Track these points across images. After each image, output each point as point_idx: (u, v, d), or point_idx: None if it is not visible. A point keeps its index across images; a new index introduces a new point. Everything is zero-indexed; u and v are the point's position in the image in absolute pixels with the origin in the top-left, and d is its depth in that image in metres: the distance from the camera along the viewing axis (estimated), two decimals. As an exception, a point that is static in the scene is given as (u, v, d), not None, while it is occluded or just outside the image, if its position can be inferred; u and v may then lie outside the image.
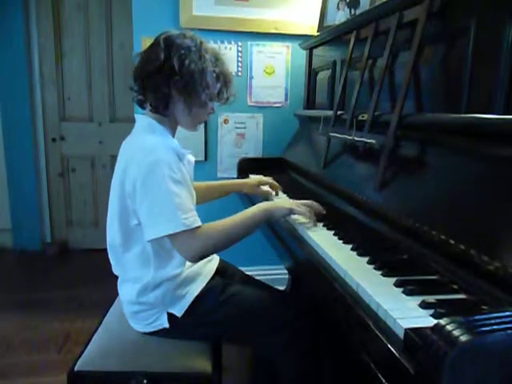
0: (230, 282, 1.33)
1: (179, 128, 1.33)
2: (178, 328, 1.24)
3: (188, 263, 1.28)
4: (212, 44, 2.32)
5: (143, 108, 1.28)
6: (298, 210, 1.26)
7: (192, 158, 1.35)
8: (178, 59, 1.16)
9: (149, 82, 1.19)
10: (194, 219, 1.13)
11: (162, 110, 1.22)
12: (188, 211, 1.13)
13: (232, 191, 1.72)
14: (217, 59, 1.25)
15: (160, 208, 1.12)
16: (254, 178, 1.70)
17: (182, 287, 1.24)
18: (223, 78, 1.26)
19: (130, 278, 1.26)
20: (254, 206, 1.28)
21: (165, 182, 1.11)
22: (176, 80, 1.17)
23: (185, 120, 1.28)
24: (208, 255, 1.19)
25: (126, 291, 1.27)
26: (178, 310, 1.23)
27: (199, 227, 1.14)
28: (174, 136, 1.31)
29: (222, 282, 1.32)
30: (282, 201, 1.35)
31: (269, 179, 1.70)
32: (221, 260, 1.47)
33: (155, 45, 1.20)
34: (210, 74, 1.21)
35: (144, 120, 1.25)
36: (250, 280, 1.51)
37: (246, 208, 1.29)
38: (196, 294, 1.25)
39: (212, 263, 1.39)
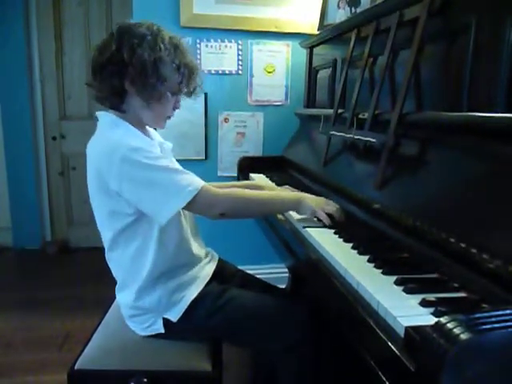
0: (227, 287, 1.30)
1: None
2: (175, 333, 1.23)
3: (186, 249, 1.27)
4: (212, 43, 2.33)
5: (104, 105, 1.20)
6: (320, 214, 1.24)
7: (168, 146, 1.32)
8: (130, 49, 1.09)
9: (101, 74, 1.12)
10: (196, 180, 1.13)
11: (118, 105, 1.17)
12: (186, 176, 1.12)
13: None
14: (176, 49, 1.15)
15: (160, 188, 1.10)
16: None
17: (178, 292, 1.22)
18: (185, 70, 1.17)
19: (126, 282, 1.25)
20: (286, 192, 1.35)
21: (148, 165, 1.09)
22: (128, 71, 1.11)
23: (146, 115, 1.20)
24: (229, 213, 1.17)
25: (123, 295, 1.27)
26: (174, 315, 1.21)
27: (205, 185, 1.13)
28: (141, 131, 1.22)
29: (219, 287, 1.29)
30: (314, 198, 1.30)
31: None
32: (220, 260, 1.45)
33: (109, 36, 1.14)
34: (167, 65, 1.13)
35: (106, 117, 1.19)
36: (249, 280, 1.49)
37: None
38: (192, 298, 1.22)
39: (210, 266, 1.36)
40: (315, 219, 1.28)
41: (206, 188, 1.13)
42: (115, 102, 1.16)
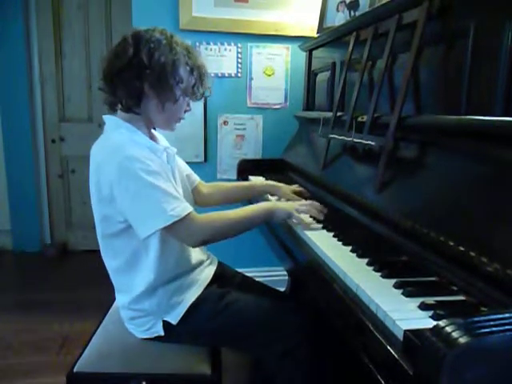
0: (227, 290, 1.30)
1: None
2: (174, 336, 1.23)
3: (187, 262, 1.28)
4: (212, 45, 2.34)
5: (114, 110, 1.23)
6: (297, 214, 1.27)
7: (172, 151, 1.31)
8: (148, 52, 1.13)
9: (119, 78, 1.15)
10: (182, 207, 1.11)
11: (134, 108, 1.18)
12: (173, 201, 1.10)
13: (265, 193, 1.61)
14: (189, 52, 1.20)
15: (143, 205, 1.09)
16: (287, 186, 1.60)
17: (178, 294, 1.22)
18: (197, 72, 1.22)
19: (124, 287, 1.25)
20: (256, 205, 1.31)
21: (140, 178, 1.08)
22: (147, 74, 1.13)
23: (159, 117, 1.23)
24: (209, 241, 1.17)
25: (122, 297, 1.27)
26: (174, 318, 1.21)
27: (190, 213, 1.12)
28: (148, 135, 1.25)
29: (219, 290, 1.30)
30: (284, 203, 1.33)
31: (300, 189, 1.58)
32: (219, 263, 1.46)
33: (123, 41, 1.16)
34: (182, 67, 1.18)
35: (112, 120, 1.21)
36: (249, 283, 1.49)
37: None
38: (192, 301, 1.23)
39: (209, 269, 1.37)
40: (294, 221, 1.29)
41: (190, 217, 1.12)
42: (131, 104, 1.17)
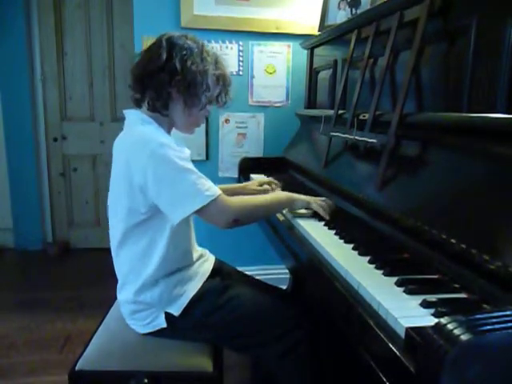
0: (229, 284, 1.31)
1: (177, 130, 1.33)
2: (176, 329, 1.24)
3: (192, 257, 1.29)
4: (213, 44, 2.34)
5: (139, 107, 1.27)
6: (314, 205, 1.34)
7: (187, 151, 1.34)
8: (181, 60, 1.18)
9: (150, 80, 1.19)
10: (214, 189, 1.17)
11: (160, 109, 1.22)
12: (206, 182, 1.16)
13: (235, 195, 1.68)
14: (217, 62, 1.26)
15: (180, 188, 1.13)
16: (254, 180, 1.72)
17: (179, 286, 1.24)
18: (223, 81, 1.28)
19: (130, 277, 1.25)
20: (278, 192, 1.46)
21: (174, 163, 1.12)
22: (178, 80, 1.18)
23: (182, 121, 1.28)
24: (240, 221, 1.21)
25: (125, 292, 1.27)
26: (176, 310, 1.22)
27: (222, 194, 1.17)
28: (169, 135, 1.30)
29: (221, 284, 1.31)
30: (303, 196, 1.40)
31: (268, 178, 1.70)
32: (216, 259, 1.47)
33: (157, 45, 1.21)
34: (210, 77, 1.23)
35: (136, 115, 1.25)
36: (249, 281, 1.49)
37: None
38: (194, 292, 1.24)
39: (208, 263, 1.38)
40: (305, 210, 1.38)
41: (221, 196, 1.17)
42: (159, 105, 1.21)
